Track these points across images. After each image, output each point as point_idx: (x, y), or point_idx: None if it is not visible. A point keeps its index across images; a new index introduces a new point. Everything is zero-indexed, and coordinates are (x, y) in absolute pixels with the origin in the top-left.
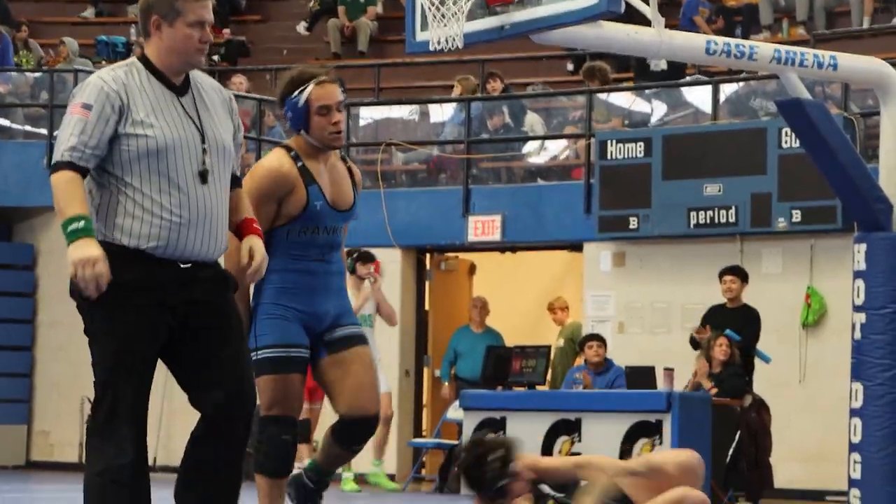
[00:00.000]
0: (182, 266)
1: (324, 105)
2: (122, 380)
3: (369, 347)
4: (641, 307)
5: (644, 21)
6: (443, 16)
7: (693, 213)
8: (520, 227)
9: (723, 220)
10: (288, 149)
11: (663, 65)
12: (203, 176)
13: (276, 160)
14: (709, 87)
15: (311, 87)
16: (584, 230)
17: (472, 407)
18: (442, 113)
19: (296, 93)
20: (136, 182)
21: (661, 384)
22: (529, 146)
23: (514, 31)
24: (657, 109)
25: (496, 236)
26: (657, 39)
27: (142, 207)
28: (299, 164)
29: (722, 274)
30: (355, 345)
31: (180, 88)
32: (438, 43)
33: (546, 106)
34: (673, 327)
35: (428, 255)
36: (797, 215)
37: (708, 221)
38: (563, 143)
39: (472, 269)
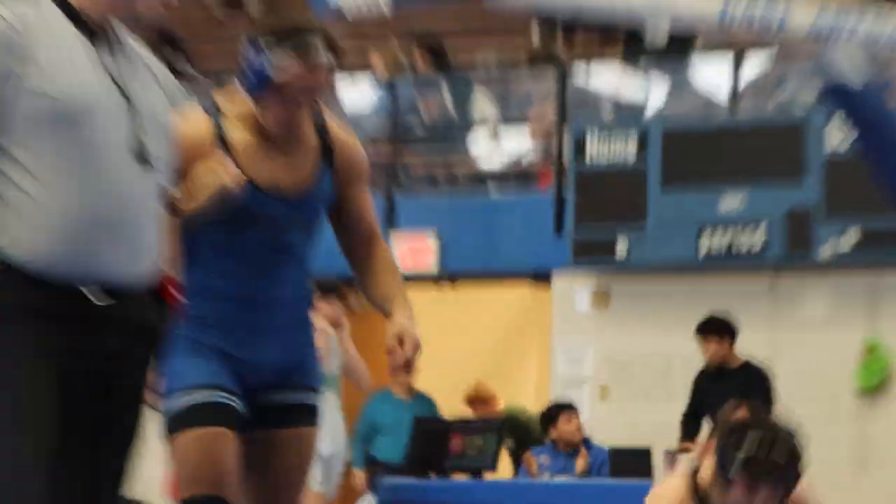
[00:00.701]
0: (91, 297)
1: (291, 85)
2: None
3: (314, 429)
4: (631, 363)
5: None
6: None
7: (705, 236)
8: (463, 251)
9: (746, 247)
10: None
11: (663, 37)
12: (141, 156)
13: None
14: (726, 66)
15: (290, 59)
16: (552, 256)
17: (393, 501)
18: (357, 98)
19: (267, 51)
20: (30, 159)
21: (661, 472)
22: (478, 143)
23: None
24: (655, 95)
25: (430, 264)
26: (653, 1)
27: (32, 200)
28: (215, 121)
29: (696, 332)
30: (294, 424)
31: (100, 38)
32: (355, 5)
33: (502, 89)
34: (675, 392)
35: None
36: (850, 239)
37: (725, 248)
38: (524, 138)
39: None
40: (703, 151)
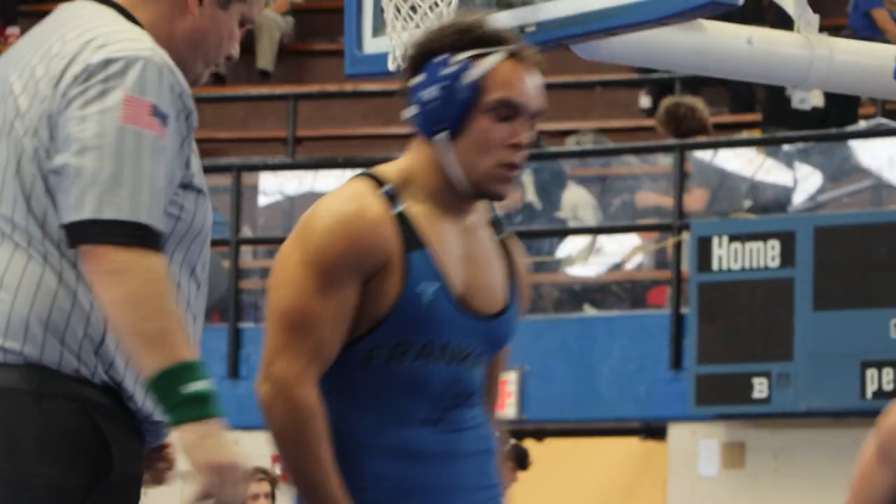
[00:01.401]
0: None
1: (510, 101)
2: None
3: None
4: None
5: (781, 22)
6: (413, 9)
7: (871, 373)
8: (552, 394)
9: None
10: (375, 179)
11: (816, 101)
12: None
13: (351, 198)
14: None
15: (498, 57)
16: (667, 400)
17: None
18: None
19: (462, 56)
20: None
21: None
22: (570, 246)
23: (543, 38)
24: (805, 181)
25: (508, 410)
26: (805, 54)
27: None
28: (395, 208)
29: None
30: None
31: None
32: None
33: (601, 174)
34: None
35: None
36: None
37: None
38: (630, 241)
39: None
40: (870, 257)
